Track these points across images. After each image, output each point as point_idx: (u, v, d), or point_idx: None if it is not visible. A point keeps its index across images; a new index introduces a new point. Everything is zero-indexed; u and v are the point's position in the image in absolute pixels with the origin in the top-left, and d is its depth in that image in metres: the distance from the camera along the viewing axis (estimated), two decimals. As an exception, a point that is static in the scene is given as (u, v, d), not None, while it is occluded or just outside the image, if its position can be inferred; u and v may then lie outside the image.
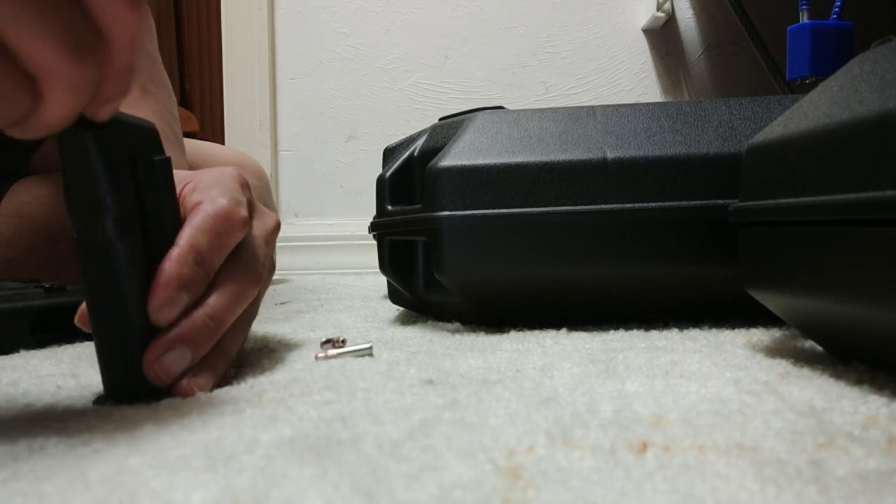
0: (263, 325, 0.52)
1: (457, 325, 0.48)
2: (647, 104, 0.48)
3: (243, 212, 0.32)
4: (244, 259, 0.32)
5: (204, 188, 0.32)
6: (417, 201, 0.49)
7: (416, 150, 0.51)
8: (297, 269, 1.30)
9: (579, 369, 0.33)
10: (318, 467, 0.20)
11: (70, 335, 0.45)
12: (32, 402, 0.29)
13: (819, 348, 0.35)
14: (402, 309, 0.60)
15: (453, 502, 0.17)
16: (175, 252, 0.28)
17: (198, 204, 0.31)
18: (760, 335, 0.41)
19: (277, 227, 0.37)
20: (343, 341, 0.41)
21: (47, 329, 0.44)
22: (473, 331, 0.46)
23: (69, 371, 0.36)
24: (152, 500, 0.18)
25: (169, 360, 0.28)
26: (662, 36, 1.30)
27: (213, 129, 1.99)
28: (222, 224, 0.30)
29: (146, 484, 0.19)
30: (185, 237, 0.29)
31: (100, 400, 0.29)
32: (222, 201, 0.31)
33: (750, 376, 0.30)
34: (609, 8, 1.30)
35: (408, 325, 0.50)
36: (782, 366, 0.32)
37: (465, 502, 0.17)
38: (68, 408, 0.28)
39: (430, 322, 0.51)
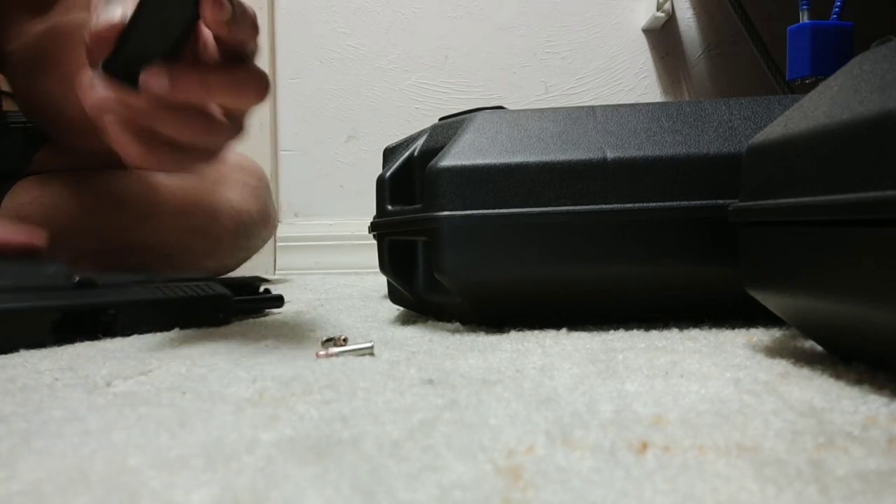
0: (264, 325, 0.52)
1: (457, 325, 0.48)
2: (647, 104, 0.48)
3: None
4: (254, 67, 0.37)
5: None
6: (417, 201, 0.49)
7: (416, 150, 0.51)
8: (297, 269, 1.30)
9: (579, 369, 0.33)
10: (318, 467, 0.20)
11: (92, 336, 0.45)
12: (31, 399, 0.29)
13: (819, 348, 0.35)
14: (402, 309, 0.60)
15: (453, 502, 0.17)
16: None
17: None
18: (760, 335, 0.41)
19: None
20: (345, 340, 0.41)
21: (69, 329, 0.44)
22: (473, 331, 0.46)
23: (67, 366, 0.36)
24: (152, 500, 0.18)
25: (158, 78, 0.33)
26: (662, 36, 1.30)
27: (213, 129, 1.99)
28: (254, 18, 0.35)
29: (146, 484, 0.19)
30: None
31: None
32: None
33: (750, 376, 0.30)
34: (609, 8, 1.30)
35: (408, 325, 0.50)
36: (782, 366, 0.32)
37: (465, 502, 0.17)
38: (67, 404, 0.28)
39: (430, 322, 0.51)
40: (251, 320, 0.55)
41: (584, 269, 0.44)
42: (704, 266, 0.44)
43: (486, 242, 0.44)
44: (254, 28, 0.36)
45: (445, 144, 0.48)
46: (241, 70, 0.36)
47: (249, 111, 0.40)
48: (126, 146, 0.36)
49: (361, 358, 0.37)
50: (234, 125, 0.39)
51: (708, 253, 0.43)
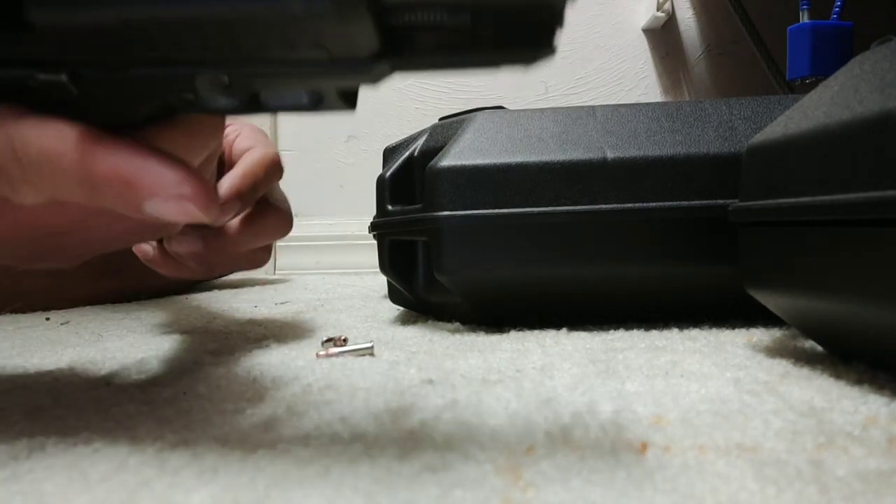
0: (264, 325, 0.52)
1: (457, 325, 0.48)
2: (647, 104, 0.47)
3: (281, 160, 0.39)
4: (279, 198, 0.41)
5: (251, 138, 0.39)
6: (417, 201, 0.49)
7: (416, 150, 0.51)
8: (297, 269, 1.30)
9: (579, 369, 0.33)
10: (318, 467, 0.20)
11: None
12: (31, 398, 0.29)
13: (819, 348, 0.35)
14: (402, 309, 0.60)
15: (453, 502, 0.17)
16: (238, 171, 0.34)
17: (250, 148, 0.38)
18: (760, 335, 0.41)
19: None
20: (345, 340, 0.41)
21: None
22: (473, 331, 0.46)
23: (67, 365, 0.36)
24: (152, 500, 0.18)
25: (189, 241, 0.35)
26: (662, 36, 1.30)
27: (213, 128, 1.99)
28: (272, 165, 0.37)
29: (146, 484, 0.19)
30: (245, 166, 0.35)
31: None
32: (272, 149, 0.38)
33: (750, 376, 0.30)
34: (609, 8, 1.30)
35: (408, 325, 0.50)
36: (782, 366, 0.32)
37: (464, 502, 0.17)
38: (67, 403, 0.28)
39: (430, 322, 0.51)
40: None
41: (584, 269, 0.44)
42: (704, 266, 0.44)
43: (486, 242, 0.44)
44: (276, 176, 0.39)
45: (445, 144, 0.48)
46: (263, 215, 0.38)
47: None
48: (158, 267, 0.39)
49: (361, 358, 0.37)
50: (256, 254, 0.41)
51: (708, 253, 0.43)
